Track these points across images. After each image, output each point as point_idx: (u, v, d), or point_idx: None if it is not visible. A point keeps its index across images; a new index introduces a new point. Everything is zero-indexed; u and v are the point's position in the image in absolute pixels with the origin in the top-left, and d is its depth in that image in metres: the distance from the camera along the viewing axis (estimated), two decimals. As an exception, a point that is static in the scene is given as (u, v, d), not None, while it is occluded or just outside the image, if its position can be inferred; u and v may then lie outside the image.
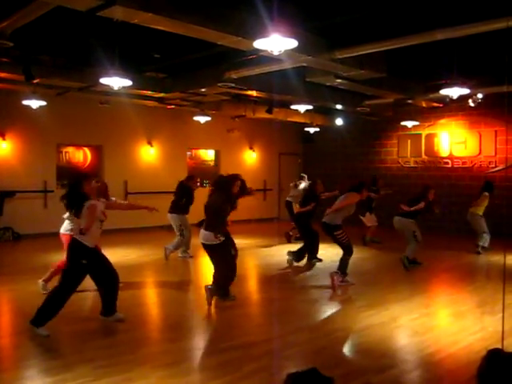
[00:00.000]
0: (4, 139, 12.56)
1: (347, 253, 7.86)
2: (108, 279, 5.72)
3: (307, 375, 1.93)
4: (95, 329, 5.72)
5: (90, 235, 5.45)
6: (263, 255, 10.78)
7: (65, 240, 7.07)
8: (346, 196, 8.05)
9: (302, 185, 12.16)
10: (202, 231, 6.67)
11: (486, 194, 10.87)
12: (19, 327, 5.74)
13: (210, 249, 6.70)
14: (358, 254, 10.84)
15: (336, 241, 7.90)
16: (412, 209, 9.04)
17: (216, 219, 6.64)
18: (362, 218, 11.74)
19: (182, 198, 9.98)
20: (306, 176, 12.68)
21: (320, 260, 9.53)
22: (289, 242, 11.93)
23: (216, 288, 6.69)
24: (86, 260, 5.42)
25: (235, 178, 6.90)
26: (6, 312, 6.86)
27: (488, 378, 2.08)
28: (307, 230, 9.64)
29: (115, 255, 9.63)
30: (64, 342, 5.41)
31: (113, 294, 5.77)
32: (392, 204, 10.15)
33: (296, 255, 9.47)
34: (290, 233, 12.17)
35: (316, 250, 9.60)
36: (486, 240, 10.84)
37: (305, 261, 9.53)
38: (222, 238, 6.58)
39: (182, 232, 9.86)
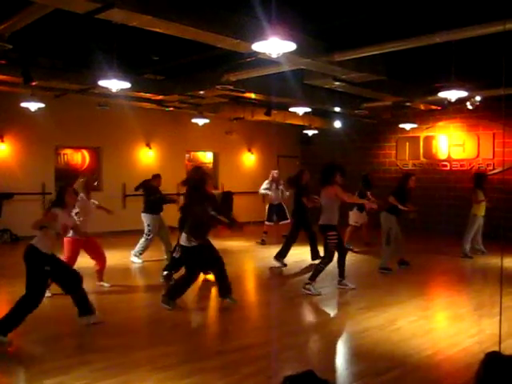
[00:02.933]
0: (2, 141, 12.56)
1: (326, 257, 7.48)
2: (71, 281, 5.70)
3: (303, 378, 1.93)
4: (93, 331, 5.70)
5: (44, 242, 5.39)
6: (261, 257, 10.77)
7: (66, 243, 7.06)
8: (322, 194, 7.65)
9: (262, 188, 12.48)
10: (183, 233, 6.66)
11: (476, 188, 10.61)
12: (16, 329, 5.72)
13: (183, 250, 6.72)
14: (355, 256, 10.88)
15: (324, 242, 7.50)
16: (391, 200, 8.98)
17: (194, 221, 6.57)
18: (350, 212, 11.50)
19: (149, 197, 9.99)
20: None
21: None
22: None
23: (171, 288, 6.66)
24: (48, 266, 5.39)
25: (204, 175, 6.95)
26: (4, 314, 6.84)
27: (486, 380, 2.08)
28: (300, 226, 9.59)
29: (112, 258, 9.63)
30: (61, 345, 5.40)
31: (80, 296, 5.74)
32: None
33: (280, 254, 9.48)
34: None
35: (316, 249, 9.54)
36: (466, 244, 10.61)
37: (306, 261, 9.50)
38: (194, 244, 6.45)
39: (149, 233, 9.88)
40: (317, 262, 9.39)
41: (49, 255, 5.42)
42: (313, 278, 7.45)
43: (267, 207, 12.55)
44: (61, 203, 5.58)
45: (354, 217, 11.53)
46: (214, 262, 6.71)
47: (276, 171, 12.82)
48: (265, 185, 12.42)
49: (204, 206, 6.50)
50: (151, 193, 9.97)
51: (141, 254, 9.94)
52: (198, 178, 6.93)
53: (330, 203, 7.49)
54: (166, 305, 6.49)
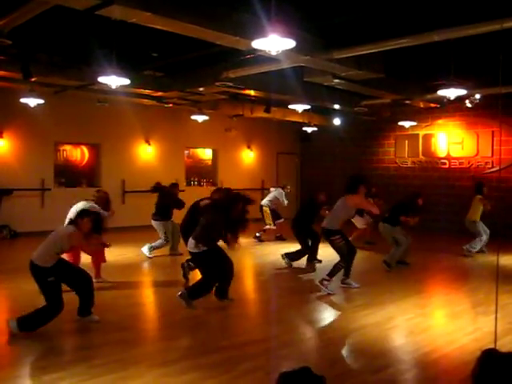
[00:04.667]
0: (2, 137, 12.56)
1: (342, 259, 7.56)
2: (81, 283, 5.73)
3: (299, 374, 1.95)
4: (91, 327, 5.72)
5: (44, 258, 5.42)
6: (260, 255, 10.80)
7: None
8: (341, 200, 7.69)
9: (274, 192, 12.64)
10: (190, 239, 6.56)
11: (479, 196, 10.63)
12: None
13: (192, 256, 6.73)
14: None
15: (333, 246, 7.62)
16: (403, 219, 9.07)
17: (203, 233, 6.46)
18: (352, 219, 11.60)
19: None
20: (286, 185, 13.08)
21: (320, 261, 9.48)
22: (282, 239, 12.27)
23: (188, 292, 6.48)
24: (51, 277, 5.41)
25: (236, 200, 6.57)
26: (3, 310, 6.87)
27: (482, 377, 2.10)
28: (304, 235, 9.55)
29: (112, 254, 9.62)
30: (60, 341, 5.42)
31: (88, 297, 5.78)
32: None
33: (291, 257, 9.43)
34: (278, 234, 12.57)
35: (316, 251, 9.54)
36: (477, 244, 10.63)
37: (303, 261, 9.54)
38: (203, 248, 6.40)
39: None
40: (314, 262, 9.49)
41: (49, 267, 5.42)
42: (331, 275, 7.48)
43: (269, 211, 12.49)
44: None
45: (359, 222, 11.49)
46: (224, 263, 6.64)
47: (289, 187, 13.29)
48: (278, 194, 12.59)
49: (221, 221, 6.42)
50: (169, 199, 10.09)
51: (154, 250, 10.02)
52: (228, 203, 6.66)
53: (341, 210, 7.63)
54: (182, 299, 6.40)
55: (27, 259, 5.49)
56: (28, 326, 5.31)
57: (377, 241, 11.73)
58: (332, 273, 7.50)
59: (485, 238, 10.70)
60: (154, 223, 10.10)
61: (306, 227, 9.53)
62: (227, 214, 6.39)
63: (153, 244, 10.03)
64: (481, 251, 10.78)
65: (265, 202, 12.50)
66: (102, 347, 5.06)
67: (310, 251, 9.53)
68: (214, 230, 6.45)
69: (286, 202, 12.60)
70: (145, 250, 9.99)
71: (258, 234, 12.41)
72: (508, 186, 13.18)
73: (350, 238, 11.26)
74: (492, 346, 3.37)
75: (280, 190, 12.69)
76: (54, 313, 5.37)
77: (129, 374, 4.38)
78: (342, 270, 7.66)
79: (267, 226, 12.45)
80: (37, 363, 4.70)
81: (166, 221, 10.00)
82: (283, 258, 9.47)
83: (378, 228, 9.54)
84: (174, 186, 10.47)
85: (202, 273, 6.70)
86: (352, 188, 7.62)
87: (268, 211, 12.31)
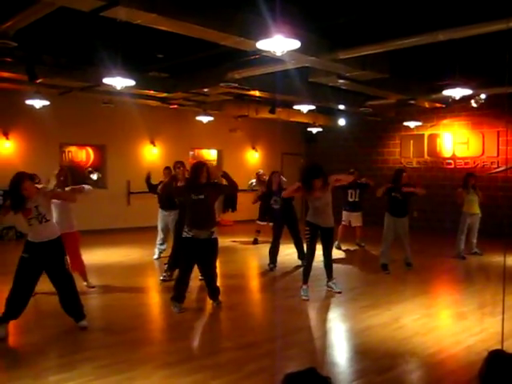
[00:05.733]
0: (7, 139, 12.61)
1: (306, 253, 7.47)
2: (59, 284, 5.59)
3: (304, 375, 1.94)
4: (97, 328, 5.74)
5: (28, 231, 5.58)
6: (264, 255, 10.77)
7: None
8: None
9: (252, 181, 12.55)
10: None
11: (459, 189, 10.53)
12: (21, 326, 5.77)
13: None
14: (359, 255, 10.90)
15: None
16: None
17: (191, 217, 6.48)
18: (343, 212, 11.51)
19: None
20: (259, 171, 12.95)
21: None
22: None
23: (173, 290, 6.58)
24: (27, 254, 5.46)
25: (197, 166, 6.56)
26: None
27: (489, 378, 2.09)
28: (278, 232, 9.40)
29: (117, 255, 9.69)
30: (65, 341, 5.42)
31: (70, 301, 5.62)
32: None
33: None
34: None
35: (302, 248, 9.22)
36: (458, 245, 10.50)
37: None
38: (186, 235, 6.38)
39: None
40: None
41: (32, 242, 5.51)
42: (329, 277, 7.51)
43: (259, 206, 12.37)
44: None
45: (345, 216, 11.54)
46: (205, 258, 6.53)
47: (261, 171, 12.96)
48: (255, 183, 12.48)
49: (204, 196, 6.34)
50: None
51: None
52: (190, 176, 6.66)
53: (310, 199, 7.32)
54: (173, 307, 6.46)
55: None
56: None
57: (363, 243, 11.68)
58: (328, 274, 7.51)
59: (462, 233, 10.52)
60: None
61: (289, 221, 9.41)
62: (196, 180, 6.37)
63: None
64: (476, 253, 10.67)
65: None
66: (107, 348, 5.07)
67: (298, 248, 9.43)
68: (187, 212, 6.44)
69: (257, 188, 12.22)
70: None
71: (255, 238, 12.30)
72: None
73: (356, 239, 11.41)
74: (499, 346, 3.36)
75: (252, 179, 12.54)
76: (19, 294, 5.35)
77: (135, 375, 4.38)
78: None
79: (257, 222, 12.32)
80: (43, 364, 4.70)
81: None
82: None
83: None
84: (166, 168, 10.14)
85: (180, 262, 6.71)
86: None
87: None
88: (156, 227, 9.95)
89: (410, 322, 6.11)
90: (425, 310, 6.67)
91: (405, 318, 6.21)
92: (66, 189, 6.96)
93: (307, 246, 7.34)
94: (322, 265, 7.53)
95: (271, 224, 10.32)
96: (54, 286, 5.61)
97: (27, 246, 5.52)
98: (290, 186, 7.82)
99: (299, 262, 9.30)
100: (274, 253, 9.28)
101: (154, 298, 7.73)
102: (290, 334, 5.60)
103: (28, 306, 5.51)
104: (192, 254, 6.41)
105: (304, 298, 7.09)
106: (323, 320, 6.54)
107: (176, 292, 6.48)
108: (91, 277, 7.63)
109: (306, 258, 7.42)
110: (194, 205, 6.33)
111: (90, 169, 10.33)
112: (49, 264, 5.51)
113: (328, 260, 7.47)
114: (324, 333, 5.97)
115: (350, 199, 11.36)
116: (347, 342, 5.66)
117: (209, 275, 6.64)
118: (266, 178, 11.25)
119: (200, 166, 6.55)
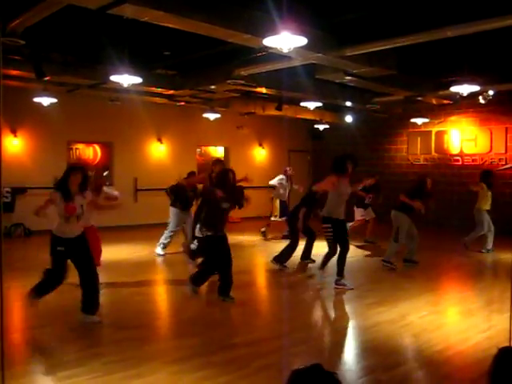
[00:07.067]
0: (15, 136, 12.67)
1: (329, 251, 7.67)
2: (85, 275, 5.72)
3: (310, 371, 1.95)
4: (105, 324, 5.77)
5: (57, 226, 5.71)
6: (272, 252, 10.78)
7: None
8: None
9: (273, 180, 12.65)
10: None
11: (481, 183, 10.48)
12: (30, 322, 5.81)
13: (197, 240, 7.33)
14: (365, 251, 10.88)
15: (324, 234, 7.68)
16: (407, 201, 8.86)
17: (204, 217, 6.95)
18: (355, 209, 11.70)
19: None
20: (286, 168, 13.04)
21: (313, 261, 9.15)
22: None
23: (195, 274, 6.88)
24: (62, 247, 5.58)
25: (225, 173, 7.12)
26: (18, 307, 6.92)
27: (498, 375, 2.09)
28: (297, 230, 9.22)
29: (124, 252, 9.72)
30: (74, 337, 5.45)
31: (91, 293, 5.70)
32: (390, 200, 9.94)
33: (278, 258, 9.00)
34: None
35: (310, 250, 9.28)
36: (471, 238, 10.54)
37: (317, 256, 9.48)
38: (206, 233, 6.67)
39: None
40: (307, 262, 9.30)
41: (61, 238, 5.62)
42: (339, 274, 7.48)
43: (278, 203, 12.53)
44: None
45: (357, 213, 11.76)
46: (223, 257, 6.70)
47: (290, 168, 12.91)
48: (278, 179, 12.50)
49: (217, 198, 6.58)
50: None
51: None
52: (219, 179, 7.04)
53: (332, 195, 7.62)
54: (189, 286, 6.78)
55: (41, 257, 5.54)
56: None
57: (376, 240, 11.67)
58: (339, 271, 7.48)
59: (481, 233, 10.51)
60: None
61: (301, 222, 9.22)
62: (223, 188, 6.70)
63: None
64: (486, 250, 10.60)
65: (275, 193, 12.58)
66: (115, 344, 5.10)
67: (304, 248, 9.28)
68: (211, 215, 6.70)
69: (289, 186, 12.44)
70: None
71: (262, 229, 12.38)
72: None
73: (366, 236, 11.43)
74: (506, 344, 3.35)
75: (280, 176, 12.62)
76: (52, 283, 5.69)
77: (142, 371, 4.40)
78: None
79: (272, 218, 12.38)
80: (52, 360, 4.74)
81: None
82: (274, 263, 8.99)
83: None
84: (191, 174, 10.23)
85: (204, 258, 7.00)
86: (336, 167, 7.72)
87: (277, 203, 12.25)
88: (163, 224, 10.01)
89: (417, 318, 6.10)
90: (432, 307, 6.67)
91: (412, 315, 6.21)
92: (103, 192, 7.29)
93: (330, 244, 7.58)
94: (330, 263, 7.52)
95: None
96: (79, 277, 5.72)
97: (59, 241, 5.65)
98: (323, 180, 7.94)
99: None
100: (293, 252, 9.16)
101: (162, 295, 7.76)
102: (298, 330, 5.61)
103: (35, 305, 5.58)
104: (222, 249, 6.68)
105: (350, 286, 7.41)
106: (330, 316, 6.56)
107: (200, 278, 6.81)
108: (99, 273, 7.64)
109: (332, 254, 7.63)
110: (221, 213, 6.71)
111: (107, 171, 10.39)
112: (78, 257, 5.70)
113: (345, 253, 7.55)
114: (331, 329, 5.98)
115: (366, 201, 11.64)
116: (354, 338, 5.66)
117: (230, 268, 6.75)
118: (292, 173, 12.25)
119: (229, 174, 7.00)
